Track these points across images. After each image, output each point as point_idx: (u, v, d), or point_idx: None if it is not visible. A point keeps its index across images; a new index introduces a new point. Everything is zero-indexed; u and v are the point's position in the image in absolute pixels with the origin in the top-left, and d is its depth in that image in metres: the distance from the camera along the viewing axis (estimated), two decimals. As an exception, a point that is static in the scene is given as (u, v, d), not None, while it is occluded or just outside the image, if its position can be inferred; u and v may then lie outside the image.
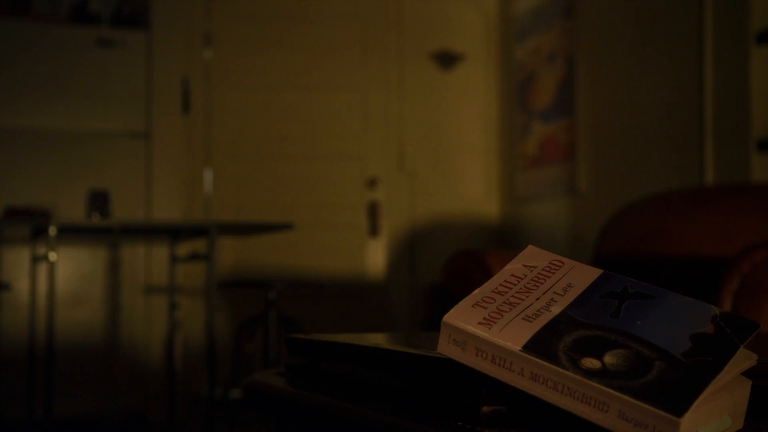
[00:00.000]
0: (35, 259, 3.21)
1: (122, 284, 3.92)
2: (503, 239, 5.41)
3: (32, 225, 2.90)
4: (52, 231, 2.68)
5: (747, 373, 0.66)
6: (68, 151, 3.90)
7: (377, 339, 0.99)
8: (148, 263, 3.95)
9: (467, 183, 5.32)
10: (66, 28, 3.96)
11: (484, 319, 0.65)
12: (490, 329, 0.64)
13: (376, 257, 4.99)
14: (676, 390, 0.58)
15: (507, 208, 5.36)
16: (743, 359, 0.64)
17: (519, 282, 0.69)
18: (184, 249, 4.03)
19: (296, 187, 4.70)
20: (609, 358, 0.61)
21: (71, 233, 3.61)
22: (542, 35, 5.04)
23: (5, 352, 3.67)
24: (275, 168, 4.78)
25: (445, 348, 0.65)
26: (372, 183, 4.81)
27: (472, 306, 0.66)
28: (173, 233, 3.29)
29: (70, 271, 3.83)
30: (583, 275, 0.70)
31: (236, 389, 3.47)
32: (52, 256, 2.68)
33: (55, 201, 3.84)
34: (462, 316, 0.65)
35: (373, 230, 4.62)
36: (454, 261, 2.44)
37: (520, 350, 0.62)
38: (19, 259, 3.72)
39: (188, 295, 4.68)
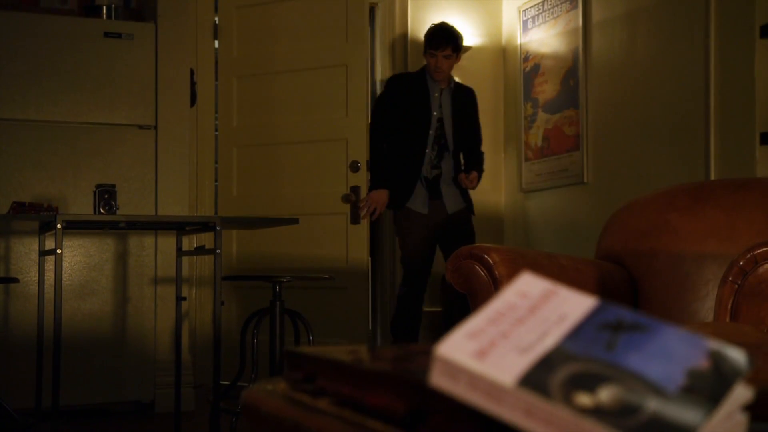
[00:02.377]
0: (43, 253, 3.23)
1: (131, 275, 3.93)
2: (510, 230, 5.40)
3: (39, 220, 2.91)
4: (59, 226, 2.69)
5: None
6: (77, 142, 3.91)
7: (376, 356, 0.99)
8: (156, 254, 3.96)
9: (473, 173, 5.31)
10: (74, 21, 3.97)
11: (477, 351, 0.65)
12: (482, 362, 0.64)
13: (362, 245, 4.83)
14: (671, 428, 0.59)
15: (513, 199, 5.35)
16: (739, 395, 0.64)
17: (513, 312, 0.69)
18: (192, 240, 4.04)
19: (301, 172, 4.70)
20: (603, 394, 0.61)
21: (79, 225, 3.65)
22: (548, 26, 5.02)
23: (15, 343, 3.69)
24: (281, 154, 4.78)
25: (438, 380, 0.66)
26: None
27: (466, 337, 0.66)
28: (180, 226, 3.30)
29: (78, 261, 3.85)
30: (577, 305, 0.70)
31: (243, 381, 3.49)
32: (59, 251, 2.69)
33: (64, 192, 3.85)
34: (455, 349, 0.65)
35: (354, 218, 4.56)
36: (456, 259, 2.44)
37: (513, 385, 0.62)
38: (28, 250, 3.74)
39: (198, 283, 4.70)
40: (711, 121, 3.94)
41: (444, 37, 4.42)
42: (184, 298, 3.48)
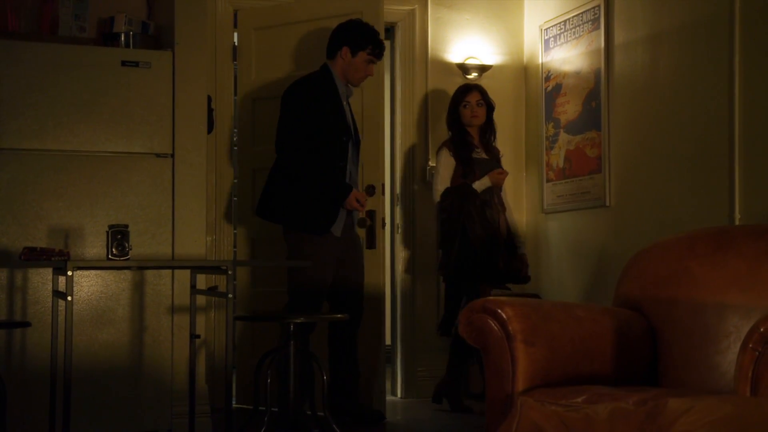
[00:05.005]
0: (56, 293, 3.22)
1: (147, 304, 3.92)
2: (530, 250, 5.34)
3: (50, 266, 2.91)
4: (69, 273, 2.68)
5: None
6: (94, 172, 3.89)
7: None
8: (173, 283, 3.95)
9: (494, 194, 5.25)
10: (91, 50, 3.96)
11: None
12: None
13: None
14: None
15: (534, 219, 5.29)
16: None
17: None
18: (206, 279, 3.99)
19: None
20: None
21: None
22: (570, 45, 4.95)
23: (30, 378, 3.69)
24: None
25: None
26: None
27: None
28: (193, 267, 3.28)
29: (95, 291, 3.84)
30: None
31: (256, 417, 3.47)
32: (70, 298, 2.68)
33: (81, 222, 3.84)
34: None
35: (371, 243, 4.51)
36: (470, 312, 2.40)
37: None
38: (44, 280, 3.73)
39: (216, 306, 4.69)
40: (735, 146, 3.87)
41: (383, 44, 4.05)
42: (198, 336, 3.46)
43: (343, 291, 4.07)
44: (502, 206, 4.64)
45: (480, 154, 4.68)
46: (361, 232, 4.45)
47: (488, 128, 4.73)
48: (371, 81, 4.37)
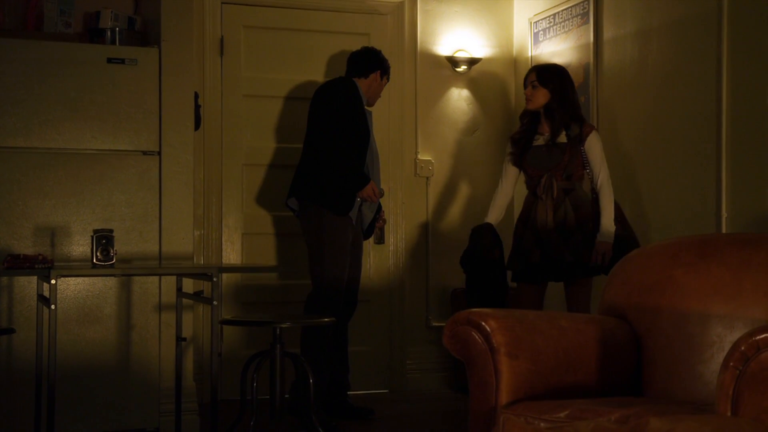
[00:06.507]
0: (41, 298, 3.21)
1: (134, 301, 3.92)
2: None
3: (33, 275, 2.90)
4: (53, 281, 2.67)
5: None
6: (80, 170, 3.87)
7: None
8: (160, 281, 3.94)
9: (482, 188, 5.25)
10: (77, 47, 3.93)
11: None
12: None
13: (384, 264, 5.06)
14: None
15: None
16: None
17: None
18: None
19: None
20: None
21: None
22: (560, 39, 4.93)
23: (17, 380, 3.69)
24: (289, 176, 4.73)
25: None
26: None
27: None
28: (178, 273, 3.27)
29: (82, 289, 3.83)
30: None
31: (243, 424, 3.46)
32: (53, 306, 2.67)
33: (67, 220, 3.82)
34: None
35: (380, 238, 4.63)
36: (453, 324, 2.40)
37: None
38: (30, 280, 3.72)
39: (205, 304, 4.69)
40: (723, 142, 3.87)
41: None
42: (185, 339, 3.46)
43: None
44: (553, 198, 3.94)
45: (541, 140, 4.06)
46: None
47: (556, 113, 4.01)
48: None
